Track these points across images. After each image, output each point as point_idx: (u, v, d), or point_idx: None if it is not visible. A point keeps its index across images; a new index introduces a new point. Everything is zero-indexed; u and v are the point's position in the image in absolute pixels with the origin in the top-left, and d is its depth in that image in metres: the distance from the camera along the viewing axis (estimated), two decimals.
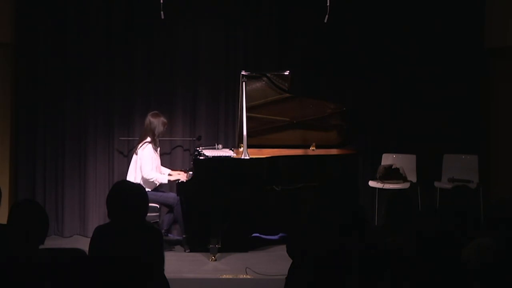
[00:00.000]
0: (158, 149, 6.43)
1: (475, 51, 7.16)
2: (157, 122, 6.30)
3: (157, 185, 6.34)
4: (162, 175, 6.32)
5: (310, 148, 6.70)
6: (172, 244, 6.45)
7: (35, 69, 6.92)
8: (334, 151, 6.68)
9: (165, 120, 6.38)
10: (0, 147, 6.75)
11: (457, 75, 7.16)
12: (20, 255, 2.92)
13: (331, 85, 7.12)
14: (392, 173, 6.89)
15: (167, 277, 3.45)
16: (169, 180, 6.30)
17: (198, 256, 6.10)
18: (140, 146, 6.25)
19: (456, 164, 7.09)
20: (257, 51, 7.13)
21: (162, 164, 6.51)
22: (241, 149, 6.16)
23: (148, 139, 6.27)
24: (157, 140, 6.36)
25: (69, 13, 6.94)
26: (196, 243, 6.26)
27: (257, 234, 6.91)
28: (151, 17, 6.84)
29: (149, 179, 6.19)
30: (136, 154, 6.30)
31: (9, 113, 6.82)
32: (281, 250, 5.23)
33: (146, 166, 6.19)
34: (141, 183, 6.10)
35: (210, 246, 5.94)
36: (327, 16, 6.56)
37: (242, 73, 6.10)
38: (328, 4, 6.50)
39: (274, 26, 7.16)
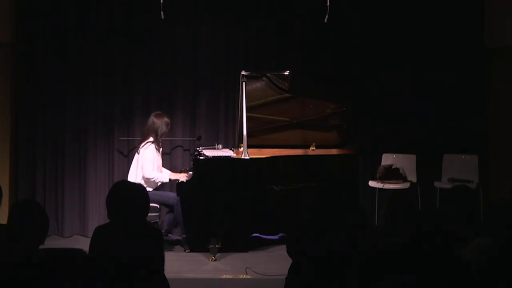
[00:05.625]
0: (161, 149, 6.44)
1: (475, 51, 7.16)
2: (160, 122, 6.31)
3: (158, 184, 6.35)
4: (163, 174, 6.33)
5: (310, 148, 6.70)
6: (172, 244, 6.45)
7: (35, 69, 6.92)
8: (334, 151, 6.68)
9: (168, 120, 6.39)
10: (0, 147, 6.75)
11: (457, 75, 7.15)
12: (20, 255, 2.92)
13: (331, 85, 7.12)
14: (392, 173, 6.89)
15: (167, 277, 3.45)
16: (170, 179, 6.31)
17: (198, 256, 6.10)
18: (143, 146, 6.26)
19: (456, 164, 7.09)
20: (257, 51, 7.13)
21: (162, 165, 6.51)
22: (241, 149, 6.17)
23: (151, 139, 6.27)
24: (160, 140, 6.37)
25: (69, 13, 6.94)
26: (196, 243, 6.26)
27: (257, 234, 6.91)
28: (151, 17, 6.84)
29: (150, 178, 6.20)
30: (138, 153, 6.30)
31: (9, 113, 6.82)
32: (281, 250, 5.23)
33: (147, 166, 6.19)
34: (142, 182, 6.13)
35: (210, 246, 5.94)
36: (327, 16, 6.56)
37: (242, 73, 6.10)
38: (328, 4, 6.50)
39: (274, 26, 7.16)
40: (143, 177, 6.22)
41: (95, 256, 3.26)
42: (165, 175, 6.33)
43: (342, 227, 3.07)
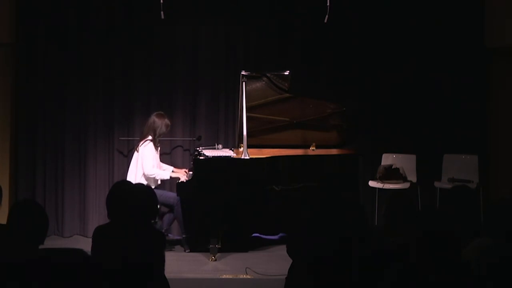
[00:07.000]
0: (159, 148, 6.44)
1: (475, 51, 7.16)
2: (160, 122, 6.31)
3: (159, 182, 6.36)
4: (164, 171, 6.34)
5: (310, 148, 6.70)
6: (172, 244, 6.45)
7: (35, 69, 6.92)
8: (334, 151, 6.68)
9: (168, 122, 6.40)
10: (0, 147, 6.75)
11: (457, 75, 7.16)
12: (20, 255, 2.92)
13: (331, 85, 7.12)
14: (392, 173, 6.89)
15: (167, 277, 3.45)
16: (171, 176, 6.32)
17: (198, 256, 6.10)
18: (142, 144, 6.27)
19: (456, 164, 7.09)
20: (257, 51, 7.13)
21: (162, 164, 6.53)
22: (241, 149, 6.17)
23: (150, 137, 6.28)
24: (157, 140, 6.37)
25: (69, 13, 6.94)
26: (196, 243, 6.26)
27: (257, 234, 6.91)
28: (151, 17, 6.84)
29: (150, 175, 6.20)
30: (137, 151, 6.31)
31: (9, 114, 6.82)
32: (281, 250, 5.23)
33: (148, 163, 6.20)
34: (143, 180, 6.14)
35: (210, 246, 5.94)
36: (327, 16, 6.56)
37: (242, 73, 6.10)
38: (328, 4, 6.50)
39: (274, 26, 7.17)
40: (144, 175, 6.22)
41: (95, 256, 3.26)
42: (166, 172, 6.33)
43: (342, 227, 3.06)
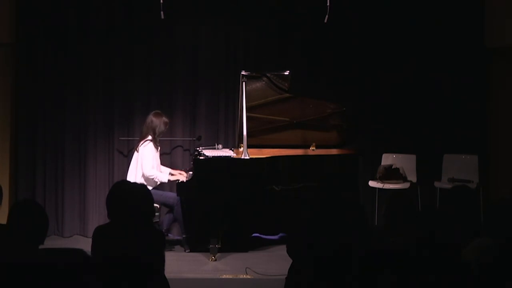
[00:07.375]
0: (159, 148, 6.44)
1: (475, 51, 7.16)
2: (158, 121, 6.32)
3: (158, 183, 6.36)
4: (163, 174, 6.34)
5: (310, 148, 6.71)
6: (172, 244, 6.45)
7: (35, 69, 6.92)
8: (334, 151, 6.69)
9: (166, 120, 6.40)
10: (0, 147, 6.75)
11: (457, 75, 7.16)
12: (20, 255, 2.92)
13: (331, 85, 7.12)
14: (392, 173, 6.89)
15: (167, 277, 3.45)
16: (169, 180, 6.32)
17: (198, 256, 6.10)
18: (141, 144, 6.27)
19: (456, 164, 7.10)
20: (257, 51, 7.13)
21: (162, 164, 6.52)
22: (241, 149, 6.17)
23: (149, 137, 6.29)
24: (158, 139, 6.38)
25: (69, 13, 6.94)
26: (196, 243, 6.26)
27: (257, 234, 6.91)
28: (151, 17, 6.84)
29: (149, 176, 6.20)
30: (137, 151, 6.31)
31: (9, 113, 6.82)
32: (281, 250, 5.23)
33: (147, 163, 6.20)
34: (142, 181, 6.13)
35: (210, 246, 5.94)
36: (327, 16, 6.56)
37: (242, 73, 6.11)
38: (328, 4, 6.50)
39: (274, 26, 7.17)
40: (143, 175, 6.22)
41: (95, 256, 3.26)
42: (165, 176, 6.33)
43: (342, 227, 3.06)
